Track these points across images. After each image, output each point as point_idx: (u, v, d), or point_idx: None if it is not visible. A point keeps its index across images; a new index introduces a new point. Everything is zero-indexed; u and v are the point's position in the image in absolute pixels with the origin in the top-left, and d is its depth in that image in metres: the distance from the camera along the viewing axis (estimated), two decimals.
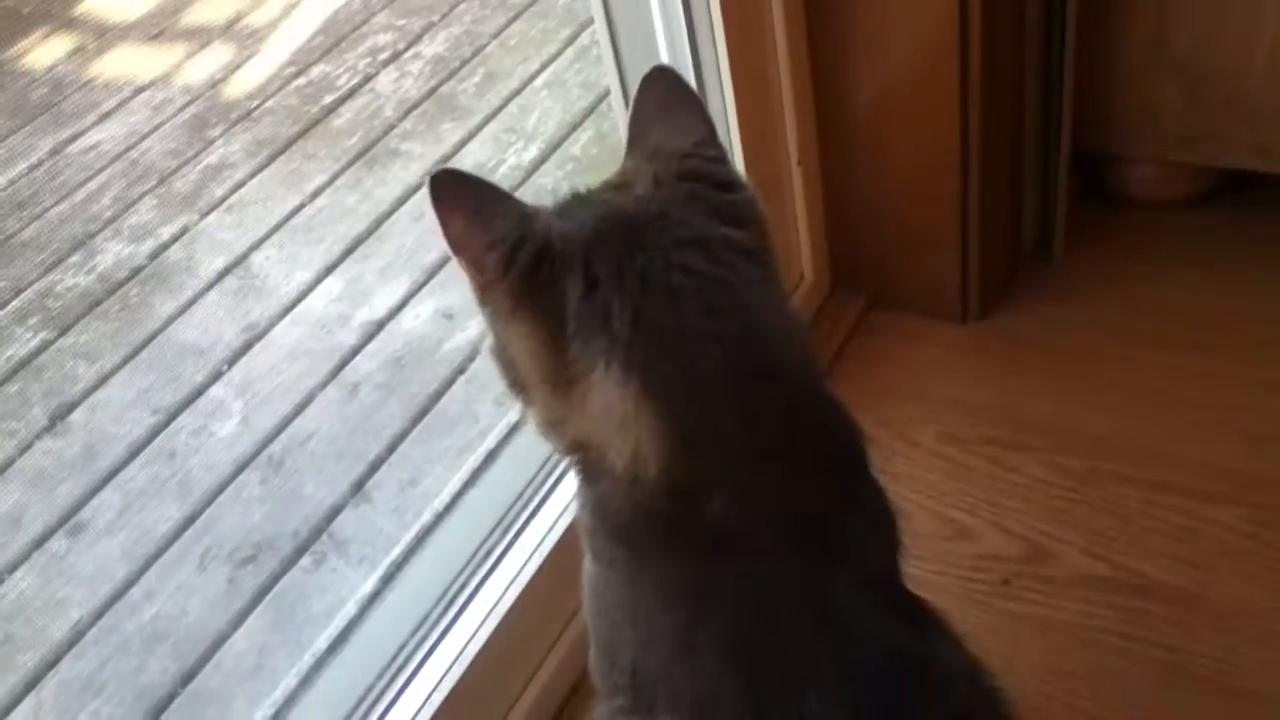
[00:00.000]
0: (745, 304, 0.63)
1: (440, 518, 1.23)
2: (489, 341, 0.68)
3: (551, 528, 1.13)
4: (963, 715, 0.65)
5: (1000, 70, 1.23)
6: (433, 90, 2.20)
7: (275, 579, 1.35)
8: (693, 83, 1.25)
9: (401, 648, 1.07)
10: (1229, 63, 1.29)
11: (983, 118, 1.22)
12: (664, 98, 0.68)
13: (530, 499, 1.20)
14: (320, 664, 1.12)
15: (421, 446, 1.47)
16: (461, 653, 1.03)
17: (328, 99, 2.25)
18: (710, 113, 0.69)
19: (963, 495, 1.20)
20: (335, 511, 1.42)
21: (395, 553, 1.23)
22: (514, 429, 1.32)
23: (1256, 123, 1.32)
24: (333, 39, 2.44)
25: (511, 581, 1.11)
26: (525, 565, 1.12)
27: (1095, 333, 1.36)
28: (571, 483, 1.19)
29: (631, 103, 0.68)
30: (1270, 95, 1.29)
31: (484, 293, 0.65)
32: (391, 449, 1.47)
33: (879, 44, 1.22)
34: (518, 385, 0.67)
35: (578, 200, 0.67)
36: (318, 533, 1.40)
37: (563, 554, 1.12)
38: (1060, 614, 1.07)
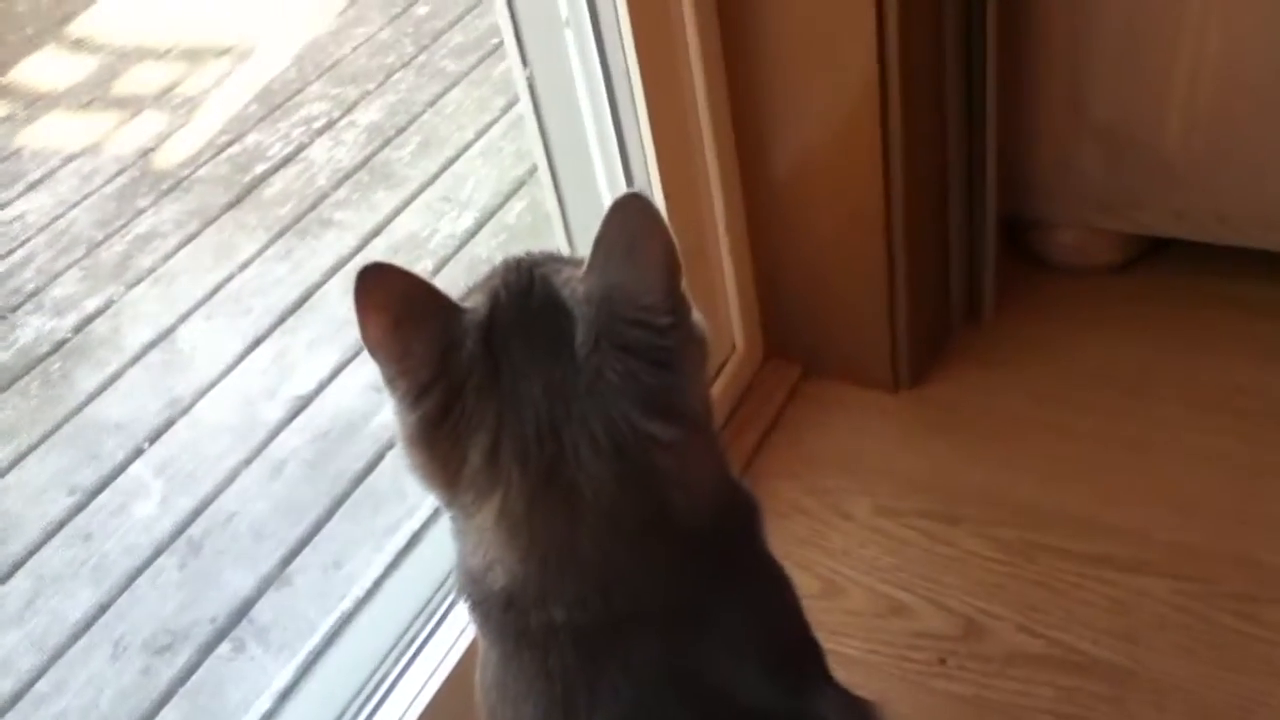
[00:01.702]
0: (649, 510, 0.61)
1: (361, 603, 1.18)
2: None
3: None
4: None
5: (921, 134, 1.23)
6: (367, 159, 2.19)
7: (192, 669, 1.29)
8: (615, 153, 1.25)
9: None
10: (1143, 128, 1.30)
11: (906, 181, 1.22)
12: (633, 231, 0.62)
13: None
14: None
15: (346, 526, 1.43)
16: None
17: (260, 168, 2.23)
18: (675, 249, 0.64)
19: (897, 570, 1.18)
20: (256, 596, 1.37)
21: (314, 640, 1.17)
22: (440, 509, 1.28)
23: (1173, 188, 1.33)
24: (266, 107, 2.42)
25: (434, 670, 1.07)
26: (449, 652, 1.08)
27: (1025, 399, 1.35)
28: None
29: (601, 222, 0.63)
30: (1184, 160, 1.31)
31: (392, 403, 0.63)
32: (315, 529, 1.43)
33: (800, 109, 1.22)
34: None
35: (519, 305, 0.63)
36: (237, 619, 1.35)
37: None
38: (996, 693, 1.04)
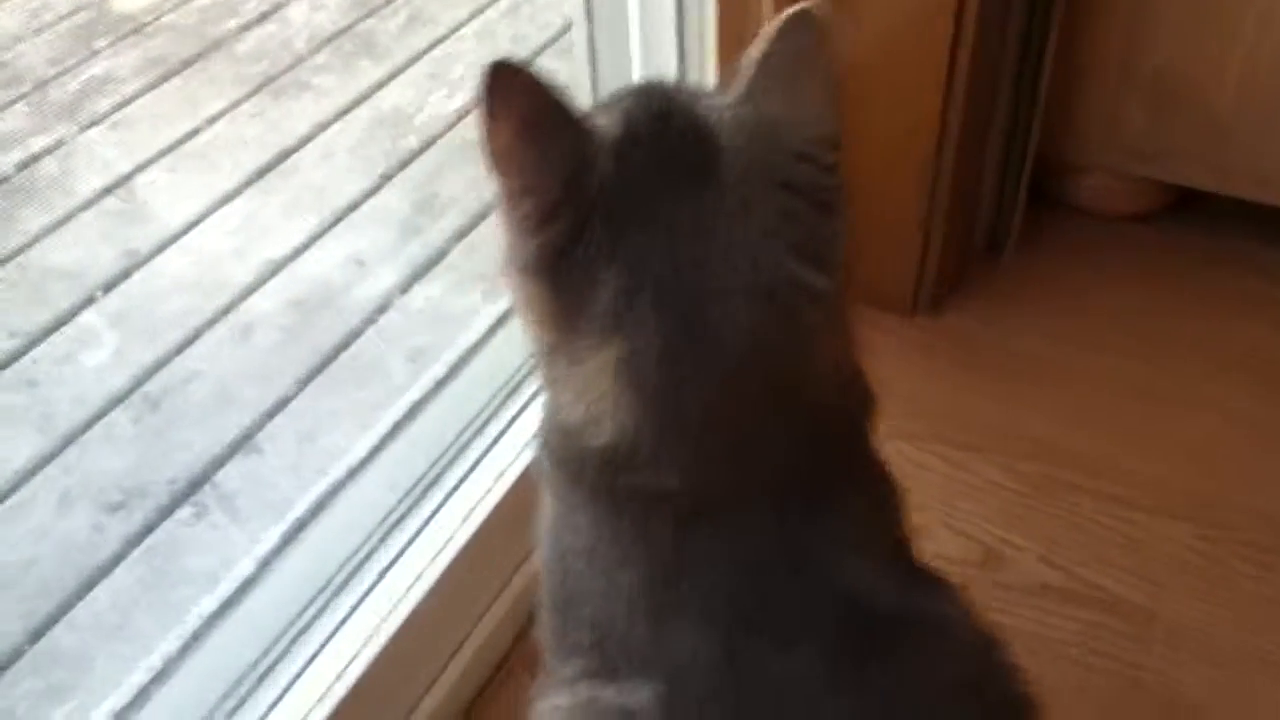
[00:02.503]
0: (789, 368, 0.55)
1: (352, 475, 1.10)
2: (500, 253, 0.58)
3: (485, 495, 1.02)
4: (971, 683, 0.59)
5: (985, 57, 1.18)
6: (350, 25, 2.05)
7: (148, 529, 1.20)
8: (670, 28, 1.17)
9: (299, 617, 0.95)
10: (1196, 82, 1.27)
11: (965, 102, 1.17)
12: (800, 57, 0.55)
13: (459, 454, 1.09)
14: (202, 630, 0.98)
15: (324, 398, 1.33)
16: (373, 633, 0.92)
17: (231, 23, 2.07)
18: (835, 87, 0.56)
19: (915, 494, 1.13)
20: (220, 462, 1.27)
21: (296, 511, 1.09)
22: (438, 386, 1.21)
23: (1217, 142, 1.30)
24: None
25: (436, 554, 1.00)
26: (451, 538, 1.01)
27: (1041, 338, 1.32)
28: (512, 441, 1.10)
29: (762, 45, 0.55)
30: (1233, 116, 1.28)
31: (507, 225, 0.55)
32: (289, 398, 1.33)
33: (869, 5, 1.15)
34: (515, 308, 0.59)
35: (655, 129, 0.55)
36: (199, 483, 1.25)
37: (496, 520, 1.02)
38: (1017, 620, 1.02)
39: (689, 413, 0.54)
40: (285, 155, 1.73)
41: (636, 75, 1.24)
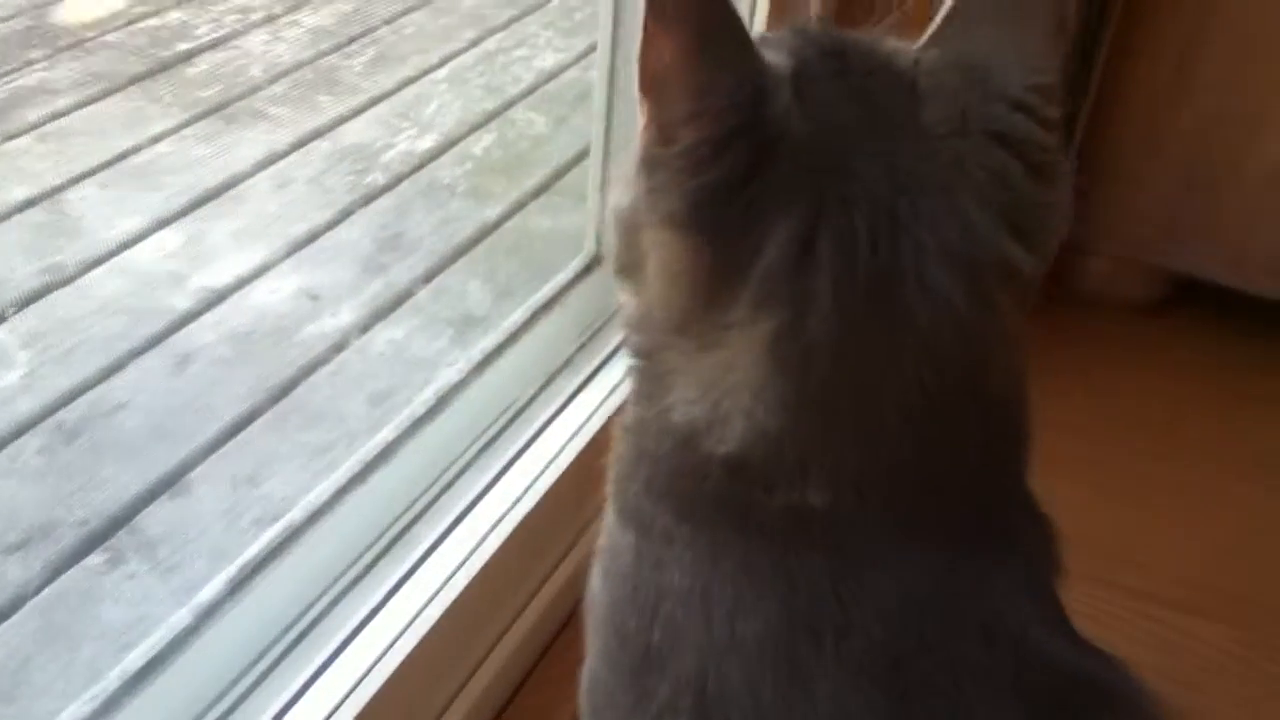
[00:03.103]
0: (984, 365, 0.45)
1: (306, 524, 0.95)
2: (619, 201, 0.47)
3: (468, 557, 0.89)
4: None
5: None
6: (310, 60, 1.94)
7: (51, 576, 1.02)
8: None
9: (229, 690, 0.80)
10: (1215, 171, 1.24)
11: None
12: None
13: (428, 509, 0.96)
14: (119, 694, 0.82)
15: (267, 439, 1.18)
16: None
17: (182, 46, 1.95)
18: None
19: None
20: (142, 502, 1.11)
21: (237, 563, 0.93)
22: (404, 435, 1.07)
23: (1233, 234, 1.27)
24: None
25: (403, 632, 0.86)
26: (424, 609, 0.88)
27: (1052, 429, 1.25)
28: (498, 497, 0.97)
29: None
30: (1253, 208, 1.24)
31: (653, 163, 0.44)
32: (227, 436, 1.18)
33: None
34: (630, 270, 0.47)
35: (834, 68, 0.45)
36: (115, 525, 1.08)
37: (473, 595, 0.89)
38: None
39: (861, 411, 0.43)
40: (235, 181, 1.59)
41: None
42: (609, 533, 0.51)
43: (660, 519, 0.47)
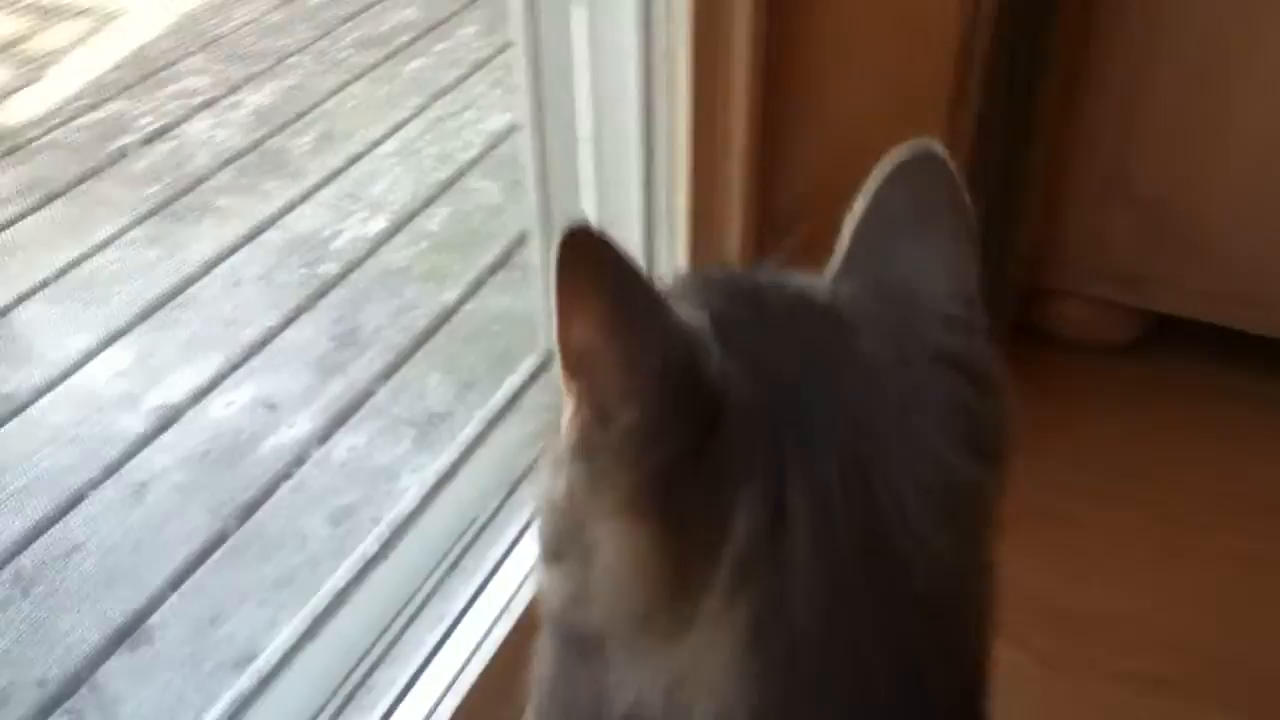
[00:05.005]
0: (969, 604, 0.42)
1: (268, 680, 0.92)
2: (551, 489, 0.43)
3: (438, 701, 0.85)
4: None
5: (970, 177, 1.08)
6: (256, 143, 1.90)
7: None
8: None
9: None
10: (1188, 203, 1.20)
11: None
12: (923, 199, 0.44)
13: (392, 647, 0.93)
14: None
15: (229, 572, 1.15)
16: None
17: (124, 140, 1.91)
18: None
19: None
20: (102, 655, 1.07)
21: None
22: (371, 562, 1.04)
23: (1205, 268, 1.23)
24: (135, 75, 2.10)
25: None
26: None
27: (1031, 482, 1.21)
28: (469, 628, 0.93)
29: (870, 193, 0.44)
30: (1220, 240, 1.21)
31: (592, 447, 0.41)
32: (185, 573, 1.14)
33: (845, 110, 1.05)
34: (565, 558, 0.44)
35: (752, 312, 0.42)
36: (75, 683, 1.04)
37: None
38: None
39: (852, 692, 0.39)
40: (185, 285, 1.56)
41: (589, 201, 1.13)
42: None
43: None
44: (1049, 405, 1.30)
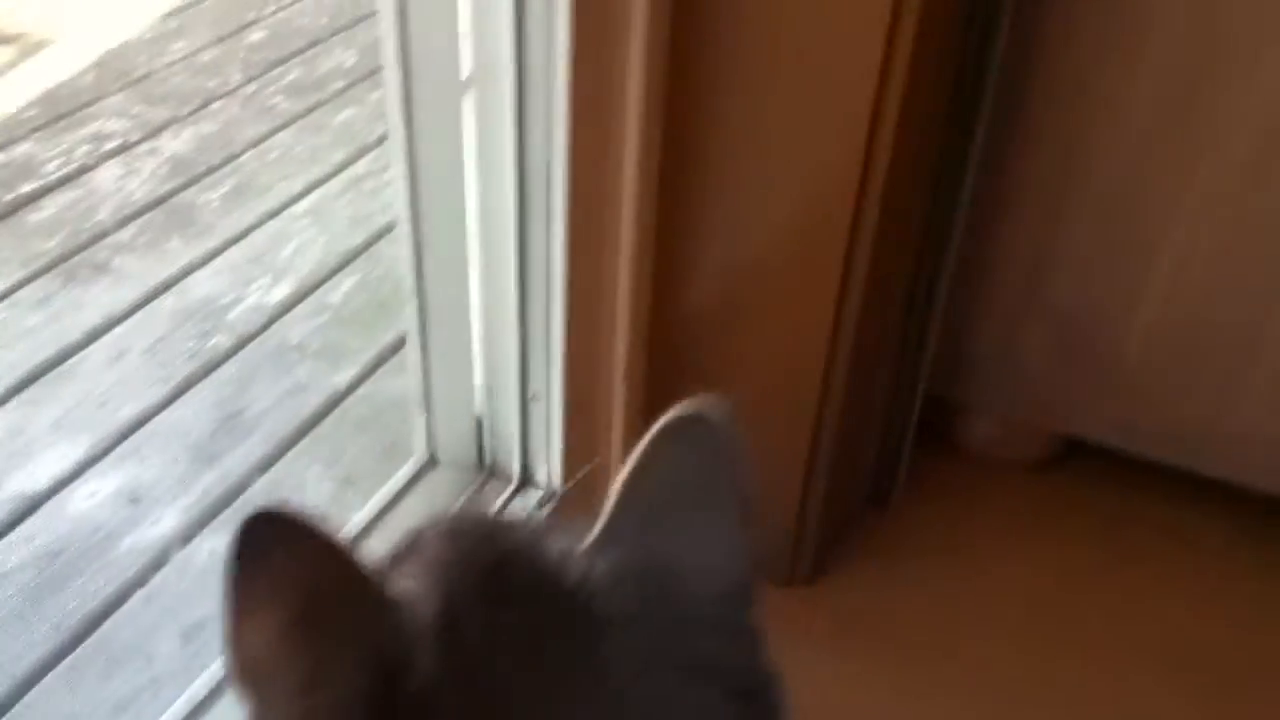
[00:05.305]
0: None
1: None
2: None
3: None
4: None
5: (877, 285, 1.02)
6: (165, 197, 1.82)
7: None
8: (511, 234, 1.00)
9: None
10: (1104, 326, 1.15)
11: (854, 341, 1.01)
12: (698, 469, 0.39)
13: None
14: None
15: (63, 694, 1.06)
16: None
17: (27, 187, 1.83)
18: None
19: None
20: None
21: None
22: (220, 685, 0.96)
23: (1123, 397, 1.18)
24: (49, 115, 2.02)
25: None
26: None
27: (935, 609, 1.16)
28: None
29: (641, 455, 0.39)
30: (1141, 370, 1.16)
31: None
32: (17, 695, 1.06)
33: (745, 221, 0.99)
34: None
35: (492, 596, 0.37)
36: None
37: None
38: None
39: None
40: (66, 355, 1.47)
41: (475, 309, 1.07)
42: None
43: None
44: (959, 523, 1.25)
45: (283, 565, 0.35)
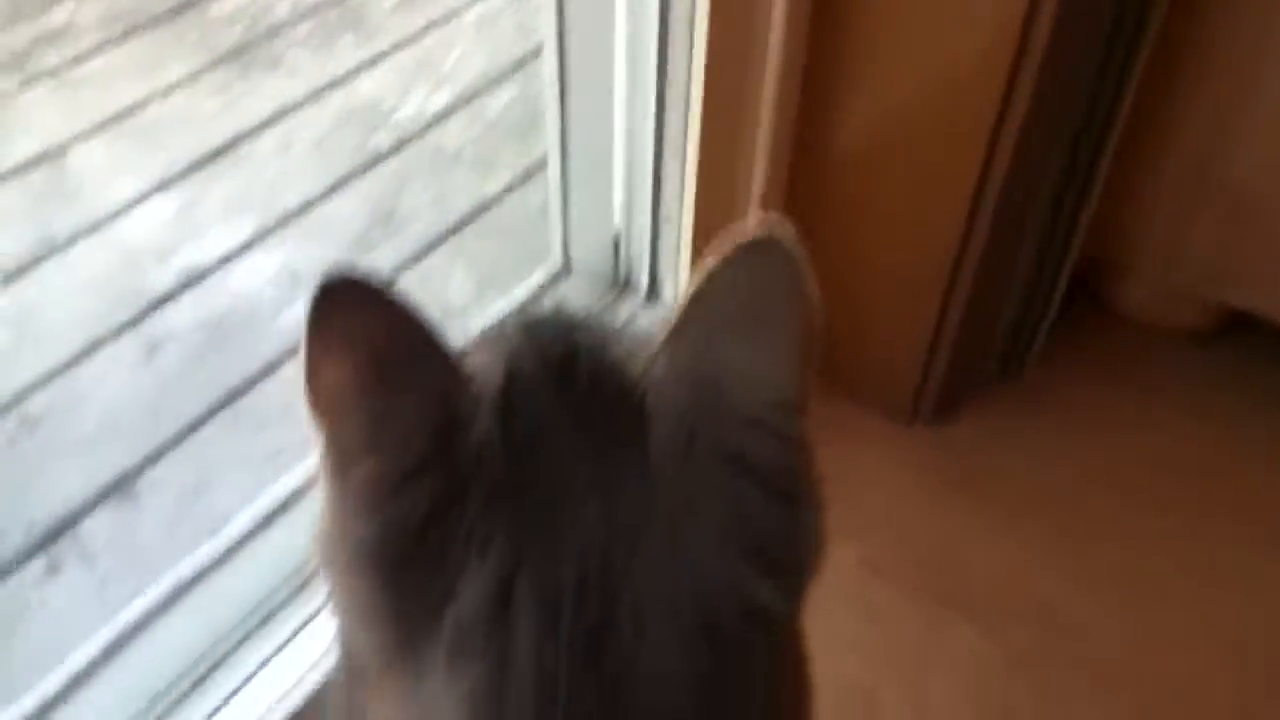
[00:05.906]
0: (699, 706, 0.38)
1: (231, 551, 0.92)
2: (322, 528, 0.41)
3: None
4: None
5: (1033, 141, 0.98)
6: None
7: None
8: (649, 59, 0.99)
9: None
10: (1276, 202, 1.07)
11: (1003, 185, 0.97)
12: (769, 290, 0.40)
13: None
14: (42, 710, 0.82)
15: (221, 443, 1.16)
16: None
17: None
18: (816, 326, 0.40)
19: (877, 654, 0.96)
20: (88, 507, 1.10)
21: (166, 583, 0.91)
22: None
23: None
24: None
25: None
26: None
27: (1060, 469, 1.13)
28: None
29: (705, 271, 0.40)
30: None
31: (332, 494, 0.40)
32: (180, 438, 1.16)
33: (897, 69, 0.96)
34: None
35: (554, 378, 0.39)
36: (59, 531, 1.08)
37: None
38: None
39: None
40: (239, 140, 1.55)
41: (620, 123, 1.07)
42: None
43: None
44: (1102, 388, 1.21)
45: (358, 314, 0.38)
